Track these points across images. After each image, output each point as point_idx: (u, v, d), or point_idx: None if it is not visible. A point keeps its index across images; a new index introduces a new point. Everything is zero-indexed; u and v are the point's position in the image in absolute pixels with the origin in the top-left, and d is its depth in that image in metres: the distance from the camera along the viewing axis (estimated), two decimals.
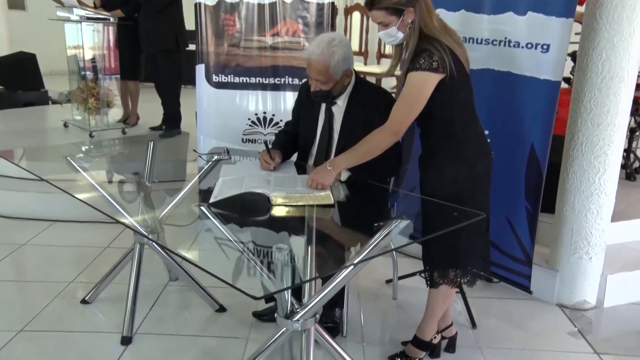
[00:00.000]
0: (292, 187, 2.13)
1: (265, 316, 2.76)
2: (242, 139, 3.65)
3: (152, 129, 5.41)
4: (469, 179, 2.18)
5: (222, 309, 2.88)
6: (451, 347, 2.55)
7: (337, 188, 2.28)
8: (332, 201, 2.04)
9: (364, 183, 2.37)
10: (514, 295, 3.04)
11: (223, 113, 3.67)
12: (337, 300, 2.59)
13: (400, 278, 3.08)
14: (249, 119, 3.65)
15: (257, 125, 3.64)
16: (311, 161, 2.61)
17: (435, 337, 2.47)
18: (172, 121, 5.34)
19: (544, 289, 2.94)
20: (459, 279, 2.32)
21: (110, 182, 3.02)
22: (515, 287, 2.90)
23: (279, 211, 2.04)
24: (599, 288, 2.92)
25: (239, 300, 2.87)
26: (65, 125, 5.57)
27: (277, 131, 3.58)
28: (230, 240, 1.97)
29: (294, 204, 2.03)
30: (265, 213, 2.05)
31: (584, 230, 2.83)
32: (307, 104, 2.58)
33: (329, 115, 2.50)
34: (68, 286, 3.12)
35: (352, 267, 1.95)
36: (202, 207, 1.98)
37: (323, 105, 2.52)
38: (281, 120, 3.61)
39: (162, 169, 3.43)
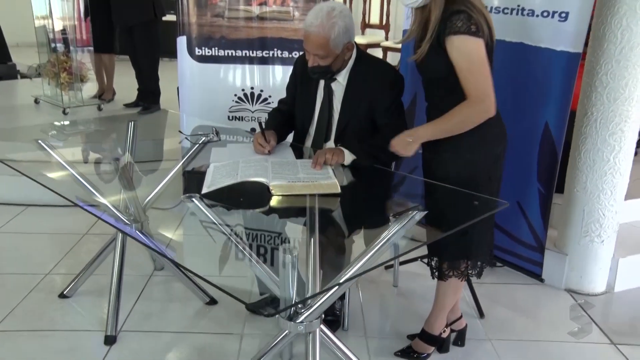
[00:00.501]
0: (292, 174, 1.92)
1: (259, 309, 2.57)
2: (229, 117, 3.41)
3: (127, 105, 5.12)
4: (488, 161, 1.99)
5: (212, 301, 2.69)
6: (460, 340, 2.39)
7: (341, 173, 2.07)
8: (338, 189, 1.84)
9: (368, 167, 2.17)
10: (519, 280, 2.89)
11: (207, 89, 3.41)
12: None
13: (401, 264, 2.91)
14: (236, 95, 3.40)
15: (244, 102, 3.40)
16: (308, 142, 2.39)
17: (444, 331, 2.31)
18: (150, 97, 5.05)
19: (553, 273, 2.80)
20: (469, 271, 2.15)
21: (86, 162, 2.80)
22: (526, 274, 2.75)
23: (279, 202, 1.84)
24: (609, 272, 2.78)
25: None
26: (36, 101, 5.25)
27: (265, 108, 3.35)
28: (227, 236, 1.77)
29: (297, 193, 1.82)
30: (264, 204, 1.84)
31: (596, 212, 2.67)
32: (303, 80, 2.36)
33: (329, 93, 2.29)
34: (45, 278, 2.89)
35: (363, 261, 1.75)
36: (194, 199, 1.76)
37: (321, 82, 2.29)
38: (270, 97, 3.37)
39: (140, 148, 3.22)
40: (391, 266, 2.93)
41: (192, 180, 2.44)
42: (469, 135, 1.93)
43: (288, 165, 2.01)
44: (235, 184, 1.84)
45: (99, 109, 5.12)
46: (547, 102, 2.43)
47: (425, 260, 2.28)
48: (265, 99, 3.38)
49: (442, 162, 2.04)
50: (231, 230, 1.78)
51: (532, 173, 2.54)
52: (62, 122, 4.34)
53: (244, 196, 1.86)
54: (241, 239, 1.74)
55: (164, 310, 2.67)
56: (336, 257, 2.04)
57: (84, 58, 5.22)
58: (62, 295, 2.71)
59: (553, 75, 2.39)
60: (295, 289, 1.56)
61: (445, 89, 1.95)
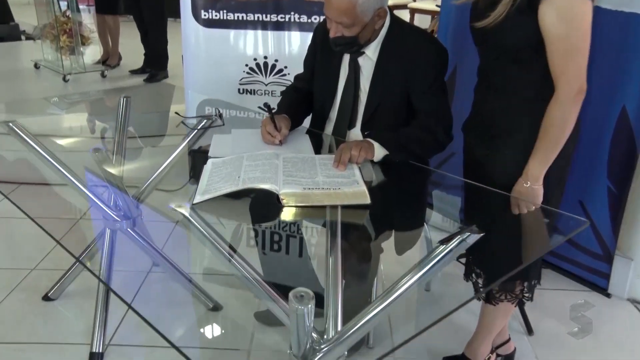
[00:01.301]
0: (309, 176, 1.52)
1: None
2: (239, 89, 3.00)
3: (133, 72, 4.71)
4: (561, 162, 1.56)
5: (217, 307, 2.33)
6: None
7: (369, 171, 1.67)
8: (367, 199, 1.43)
9: (402, 164, 1.76)
10: (571, 285, 2.49)
11: (215, 57, 2.99)
12: None
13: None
14: (247, 65, 2.97)
15: (257, 73, 2.98)
16: (329, 128, 1.98)
17: (489, 358, 1.93)
18: (157, 62, 4.64)
19: (614, 280, 2.38)
20: (525, 294, 1.75)
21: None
22: (589, 287, 2.34)
23: (292, 214, 1.44)
24: None
25: (236, 295, 2.33)
26: (36, 66, 4.88)
27: (281, 80, 2.92)
28: (226, 258, 1.39)
29: (315, 204, 1.42)
30: (272, 217, 1.45)
31: None
32: (324, 53, 1.94)
33: (355, 70, 1.86)
34: (30, 274, 2.56)
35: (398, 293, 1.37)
36: (183, 211, 1.37)
37: (346, 56, 1.87)
38: (286, 67, 2.94)
39: (143, 121, 2.88)
40: None
41: (199, 160, 2.09)
42: (538, 125, 1.51)
43: (304, 163, 1.60)
44: (237, 192, 1.44)
45: (103, 75, 4.73)
46: (626, 81, 1.97)
47: (463, 260, 1.89)
48: (281, 70, 2.95)
49: (502, 161, 1.62)
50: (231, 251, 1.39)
51: (601, 168, 2.10)
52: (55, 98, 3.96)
53: (248, 207, 1.46)
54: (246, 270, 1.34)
55: (160, 318, 2.30)
56: (360, 268, 1.67)
57: (88, 19, 4.81)
58: (46, 298, 2.38)
59: (636, 46, 1.92)
60: (310, 341, 1.17)
61: (519, 67, 1.50)
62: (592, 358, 2.13)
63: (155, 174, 2.17)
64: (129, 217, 2.05)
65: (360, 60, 1.86)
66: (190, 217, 1.33)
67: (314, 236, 1.75)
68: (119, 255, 2.23)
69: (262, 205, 1.47)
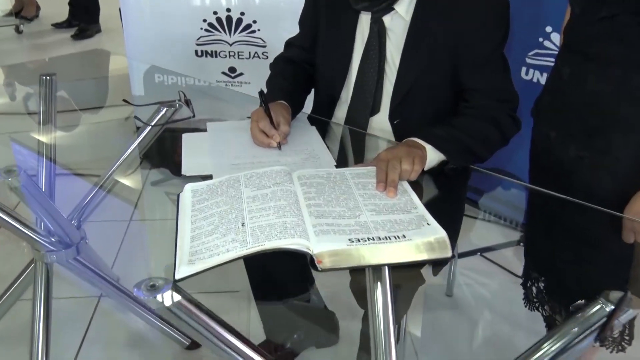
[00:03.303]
0: (350, 213, 0.98)
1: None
2: (196, 52, 2.39)
3: (57, 26, 3.93)
4: None
5: (194, 344, 1.82)
6: None
7: (428, 189, 1.16)
8: (449, 251, 0.92)
9: (463, 170, 1.26)
10: None
11: (163, 10, 2.35)
12: None
13: (460, 256, 2.08)
14: (205, 20, 2.35)
15: (218, 30, 2.36)
16: (340, 114, 1.46)
17: None
18: (85, 13, 3.87)
19: None
20: (625, 338, 1.32)
21: None
22: None
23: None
24: None
25: None
26: None
27: (249, 39, 2.33)
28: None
29: (373, 265, 0.90)
30: (303, 290, 0.93)
31: None
32: (331, 9, 1.39)
33: (379, 33, 1.33)
34: None
35: None
36: (163, 296, 0.82)
37: (365, 14, 1.33)
38: (254, 22, 2.33)
39: (78, 89, 2.30)
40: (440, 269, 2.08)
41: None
42: None
43: (332, 186, 1.06)
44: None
45: (18, 31, 3.93)
46: None
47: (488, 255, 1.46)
48: (249, 26, 2.34)
49: (609, 168, 1.14)
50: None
51: None
52: None
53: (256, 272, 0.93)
54: None
55: None
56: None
57: None
58: None
59: None
60: None
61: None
62: None
63: (100, 185, 1.60)
64: (70, 244, 1.49)
65: (387, 20, 1.32)
66: (175, 310, 0.79)
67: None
68: (62, 275, 1.68)
69: (282, 269, 0.94)
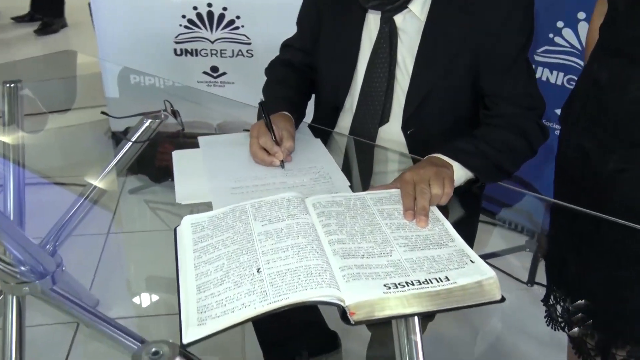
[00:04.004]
0: (379, 250, 0.85)
1: None
2: (175, 50, 2.22)
3: (17, 20, 3.69)
4: None
5: None
6: None
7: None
8: (498, 293, 0.80)
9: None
10: None
11: (137, 5, 2.17)
12: None
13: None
14: (184, 16, 2.18)
15: (198, 27, 2.19)
16: (344, 123, 1.33)
17: None
18: (47, 7, 3.64)
19: None
20: None
21: None
22: None
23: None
24: None
25: (212, 346, 1.68)
26: None
27: (233, 36, 2.17)
28: None
29: (412, 313, 0.77)
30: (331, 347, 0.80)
31: None
32: (335, 8, 1.25)
33: (390, 35, 1.19)
34: None
35: None
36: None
37: (373, 14, 1.20)
38: (238, 18, 2.17)
39: (44, 89, 2.10)
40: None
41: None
42: None
43: (354, 216, 0.93)
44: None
45: None
46: None
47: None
48: (232, 22, 2.18)
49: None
50: None
51: None
52: None
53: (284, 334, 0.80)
54: None
55: None
56: None
57: None
58: None
59: None
60: None
61: None
62: None
63: (76, 207, 1.44)
64: (44, 273, 1.33)
65: (399, 19, 1.19)
66: None
67: None
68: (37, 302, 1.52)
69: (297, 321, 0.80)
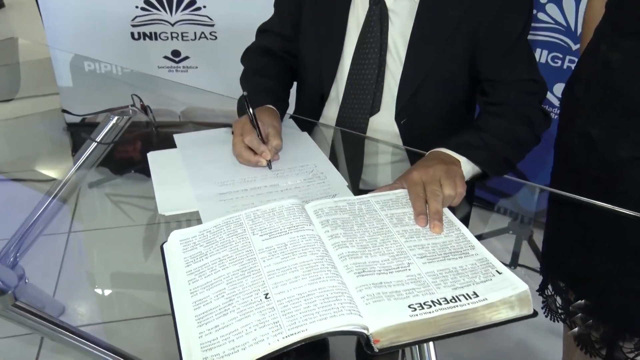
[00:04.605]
0: (395, 264, 0.76)
1: None
2: (132, 34, 2.06)
3: None
4: None
5: None
6: None
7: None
8: (530, 307, 0.73)
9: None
10: None
11: None
12: None
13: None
14: None
15: (157, 9, 2.04)
16: (330, 113, 1.24)
17: None
18: None
19: None
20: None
21: None
22: None
23: None
24: None
25: None
26: None
27: (195, 18, 2.02)
28: None
29: (439, 336, 0.69)
30: None
31: None
32: None
33: (381, 17, 1.10)
34: None
35: None
36: None
37: None
38: None
39: None
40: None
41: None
42: None
43: (361, 223, 0.84)
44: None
45: None
46: None
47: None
48: (193, 2, 2.03)
49: None
50: None
51: None
52: None
53: None
54: None
55: None
56: None
57: None
58: None
59: None
60: None
61: None
62: None
63: (38, 213, 1.31)
64: (5, 289, 1.21)
65: (390, 1, 1.09)
66: None
67: None
68: None
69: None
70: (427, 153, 1.01)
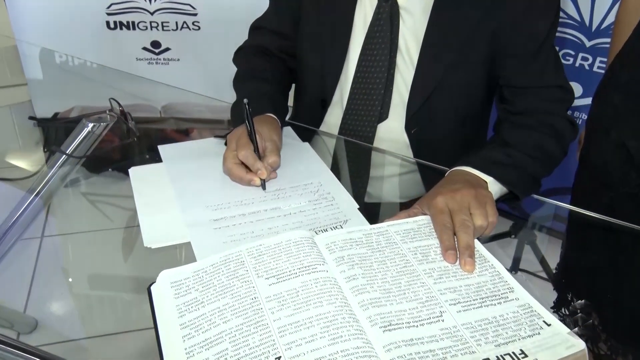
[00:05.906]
0: (426, 313, 0.65)
1: None
2: (108, 23, 1.90)
3: None
4: None
5: None
6: None
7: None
8: (582, 346, 0.63)
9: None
10: None
11: None
12: None
13: None
14: None
15: None
16: (333, 119, 1.11)
17: None
18: None
19: None
20: None
21: None
22: None
23: None
24: None
25: None
26: None
27: (175, 6, 1.88)
28: None
29: None
30: None
31: None
32: None
33: (392, 17, 0.98)
34: None
35: None
36: None
37: None
38: None
39: None
40: None
41: None
42: None
43: (382, 260, 0.73)
44: None
45: None
46: None
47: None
48: None
49: None
50: None
51: None
52: None
53: None
54: None
55: None
56: None
57: None
58: None
59: None
60: None
61: None
62: None
63: (9, 224, 1.18)
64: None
65: (402, 1, 0.97)
66: None
67: None
68: None
69: None
70: (449, 171, 0.90)
